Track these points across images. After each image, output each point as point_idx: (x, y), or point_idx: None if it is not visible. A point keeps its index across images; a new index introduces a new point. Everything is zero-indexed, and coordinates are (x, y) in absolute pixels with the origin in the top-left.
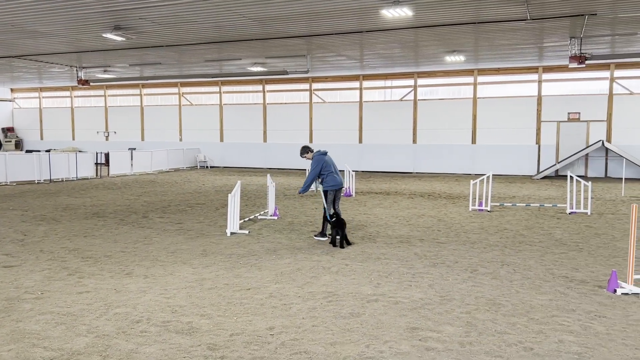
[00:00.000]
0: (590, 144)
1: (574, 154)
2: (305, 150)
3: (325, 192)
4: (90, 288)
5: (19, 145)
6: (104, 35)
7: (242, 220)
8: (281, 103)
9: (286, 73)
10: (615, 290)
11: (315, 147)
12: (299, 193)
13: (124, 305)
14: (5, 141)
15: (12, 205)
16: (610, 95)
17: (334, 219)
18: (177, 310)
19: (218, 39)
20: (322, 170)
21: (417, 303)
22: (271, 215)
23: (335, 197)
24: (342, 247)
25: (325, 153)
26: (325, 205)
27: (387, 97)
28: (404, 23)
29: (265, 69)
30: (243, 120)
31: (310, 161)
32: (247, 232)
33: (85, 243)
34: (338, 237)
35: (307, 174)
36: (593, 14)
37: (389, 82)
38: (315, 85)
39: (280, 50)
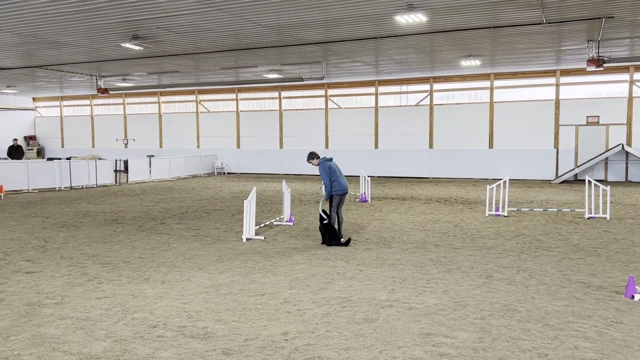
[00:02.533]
0: (609, 147)
1: (593, 158)
2: (311, 156)
3: (331, 197)
4: (108, 293)
5: (40, 153)
6: (123, 44)
7: (257, 226)
8: (297, 109)
9: (302, 80)
10: (633, 296)
11: (331, 152)
12: (326, 199)
13: (141, 310)
14: (28, 149)
15: (34, 212)
16: (630, 98)
17: (326, 222)
18: (193, 316)
19: (234, 47)
20: (330, 176)
21: (431, 309)
22: (286, 221)
23: (340, 201)
24: (329, 245)
25: (330, 159)
26: (329, 210)
27: (403, 102)
28: (418, 28)
29: (281, 76)
30: (259, 126)
31: (315, 167)
32: (262, 237)
33: (104, 249)
34: (332, 239)
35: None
36: (610, 17)
37: (404, 87)
38: (330, 91)
39: (296, 57)
